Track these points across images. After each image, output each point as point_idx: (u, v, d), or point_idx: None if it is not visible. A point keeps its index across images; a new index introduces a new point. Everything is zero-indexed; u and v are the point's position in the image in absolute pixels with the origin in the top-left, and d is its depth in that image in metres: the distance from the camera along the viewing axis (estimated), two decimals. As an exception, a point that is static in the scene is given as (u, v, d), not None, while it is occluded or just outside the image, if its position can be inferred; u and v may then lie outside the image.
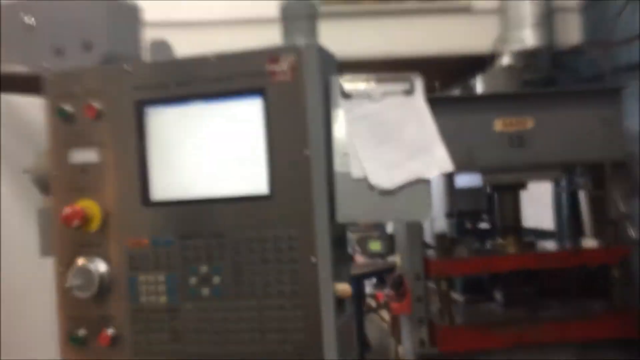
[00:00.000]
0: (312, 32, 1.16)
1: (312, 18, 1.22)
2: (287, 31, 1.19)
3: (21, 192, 1.30)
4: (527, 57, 1.88)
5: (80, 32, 1.07)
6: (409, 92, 0.97)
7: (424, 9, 2.06)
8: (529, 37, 1.89)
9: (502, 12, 1.97)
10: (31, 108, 1.34)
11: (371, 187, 0.95)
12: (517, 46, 1.89)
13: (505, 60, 1.90)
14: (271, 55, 0.96)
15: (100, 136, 1.03)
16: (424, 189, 0.96)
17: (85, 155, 1.04)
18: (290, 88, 0.95)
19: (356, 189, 0.96)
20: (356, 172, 0.95)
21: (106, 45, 1.08)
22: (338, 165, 0.96)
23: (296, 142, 0.95)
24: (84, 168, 1.04)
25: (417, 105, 0.97)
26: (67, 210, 1.00)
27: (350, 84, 0.97)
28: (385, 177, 0.95)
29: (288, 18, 1.23)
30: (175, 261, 1.00)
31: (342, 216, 0.96)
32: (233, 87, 0.98)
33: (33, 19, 1.10)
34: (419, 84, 0.98)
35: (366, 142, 0.96)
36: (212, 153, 0.99)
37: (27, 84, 1.38)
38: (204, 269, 0.99)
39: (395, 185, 0.95)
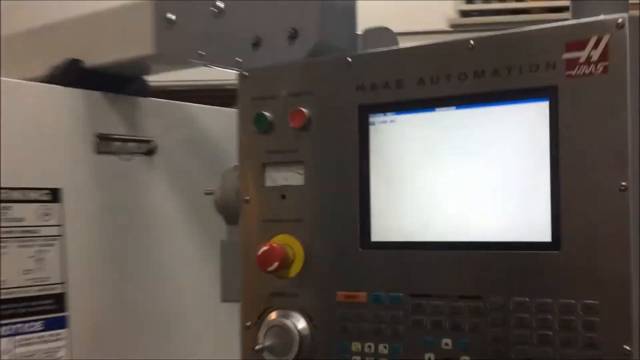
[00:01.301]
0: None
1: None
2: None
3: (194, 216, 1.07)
4: None
5: (285, 18, 0.84)
6: None
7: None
8: None
9: None
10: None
11: None
12: None
13: None
14: (571, 36, 0.65)
15: (307, 151, 0.78)
16: None
17: (286, 176, 0.80)
18: (598, 87, 0.64)
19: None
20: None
21: (315, 34, 0.83)
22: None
23: (605, 169, 0.63)
24: (284, 192, 0.80)
25: None
26: (264, 249, 0.76)
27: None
28: None
29: None
30: (404, 327, 0.72)
31: None
32: (503, 85, 0.68)
33: (224, 2, 0.88)
34: None
35: None
36: (465, 179, 0.70)
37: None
38: (446, 342, 0.70)
39: None
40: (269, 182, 0.81)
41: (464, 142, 0.70)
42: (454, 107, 0.71)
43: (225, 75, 0.95)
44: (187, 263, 1.05)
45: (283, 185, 0.80)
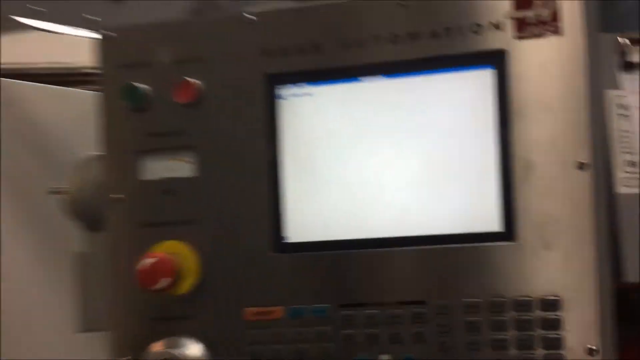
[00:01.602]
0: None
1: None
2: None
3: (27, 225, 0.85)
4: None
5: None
6: None
7: None
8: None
9: None
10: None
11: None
12: None
13: None
14: (519, -9, 0.56)
15: (199, 134, 0.62)
16: None
17: (171, 166, 0.62)
18: (548, 52, 0.56)
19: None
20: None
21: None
22: (620, 183, 0.58)
23: (560, 145, 0.55)
24: (168, 187, 0.62)
25: None
26: (150, 261, 0.58)
27: None
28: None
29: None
30: (333, 345, 0.58)
31: (633, 274, 0.57)
32: (438, 49, 0.58)
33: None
34: None
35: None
36: (399, 163, 0.59)
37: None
38: (385, 359, 0.58)
39: None
40: (147, 174, 0.63)
41: (396, 118, 0.59)
42: (383, 76, 0.59)
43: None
44: (28, 282, 0.81)
45: (167, 178, 0.62)
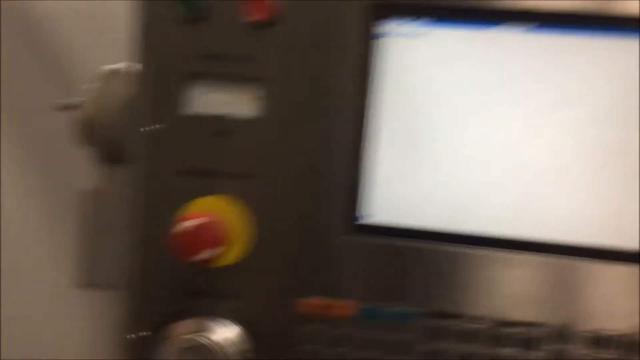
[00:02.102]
0: None
1: None
2: None
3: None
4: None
5: None
6: None
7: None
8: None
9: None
10: None
11: None
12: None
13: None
14: None
15: (272, 63, 0.47)
16: None
17: (229, 100, 0.48)
18: None
19: None
20: None
21: None
22: None
23: None
24: (222, 127, 0.48)
25: None
26: (188, 224, 0.44)
27: None
28: None
29: None
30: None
31: None
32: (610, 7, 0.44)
33: None
34: None
35: None
36: (527, 145, 0.45)
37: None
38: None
39: None
40: (196, 107, 0.48)
41: (538, 85, 0.45)
42: (527, 28, 0.45)
43: None
44: (24, 219, 0.67)
45: (221, 115, 0.48)
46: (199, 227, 0.44)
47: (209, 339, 0.46)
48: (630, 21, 0.43)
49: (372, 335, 0.46)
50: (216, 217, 0.45)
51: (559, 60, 0.44)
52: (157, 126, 0.48)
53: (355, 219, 0.47)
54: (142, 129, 0.48)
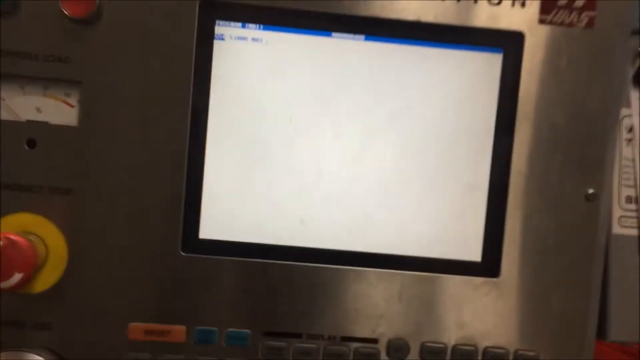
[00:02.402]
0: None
1: None
2: None
3: None
4: None
5: None
6: None
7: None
8: None
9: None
10: None
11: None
12: None
13: None
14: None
15: (90, 64, 0.42)
16: None
17: (42, 104, 0.42)
18: (578, 44, 0.44)
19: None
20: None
21: None
22: (618, 222, 0.48)
23: (568, 167, 0.44)
24: (34, 135, 0.42)
25: None
26: None
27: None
28: None
29: None
30: (247, 382, 0.44)
31: (614, 333, 0.48)
32: (443, 16, 0.44)
33: None
34: None
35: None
36: (359, 155, 0.44)
37: None
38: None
39: None
40: (4, 113, 0.42)
41: (368, 94, 0.44)
42: (363, 36, 0.44)
43: None
44: None
45: (33, 122, 0.42)
46: (4, 250, 0.38)
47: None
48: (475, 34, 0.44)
49: (206, 361, 0.43)
50: (24, 238, 0.39)
51: (395, 69, 0.44)
52: (-46, 134, 0.41)
53: (193, 234, 0.43)
54: None
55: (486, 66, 0.44)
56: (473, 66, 0.44)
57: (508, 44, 0.44)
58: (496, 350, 0.44)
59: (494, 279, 0.44)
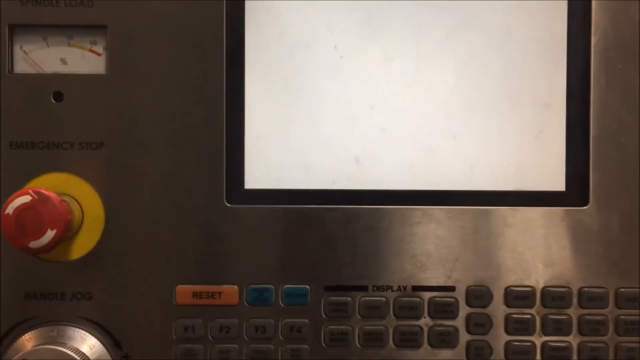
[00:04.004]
0: None
1: None
2: None
3: None
4: None
5: None
6: None
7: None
8: None
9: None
10: None
11: None
12: None
13: None
14: None
15: (113, 10, 0.39)
16: None
17: (66, 54, 0.39)
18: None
19: None
20: None
21: None
22: None
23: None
24: (60, 88, 0.39)
25: None
26: (19, 202, 0.34)
27: None
28: None
29: None
30: (305, 348, 0.39)
31: None
32: None
33: None
34: None
35: None
36: (413, 86, 0.40)
37: None
38: (385, 370, 0.39)
39: None
40: (27, 65, 0.39)
41: (429, 10, 0.40)
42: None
43: None
44: None
45: (58, 74, 0.39)
46: (31, 206, 0.35)
47: (64, 349, 0.37)
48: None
49: (260, 324, 0.38)
50: (55, 196, 0.36)
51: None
52: (-23, 93, 0.38)
53: (239, 185, 0.39)
54: (-42, 99, 0.39)
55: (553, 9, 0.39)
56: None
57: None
58: (595, 290, 0.38)
59: (582, 208, 0.38)
